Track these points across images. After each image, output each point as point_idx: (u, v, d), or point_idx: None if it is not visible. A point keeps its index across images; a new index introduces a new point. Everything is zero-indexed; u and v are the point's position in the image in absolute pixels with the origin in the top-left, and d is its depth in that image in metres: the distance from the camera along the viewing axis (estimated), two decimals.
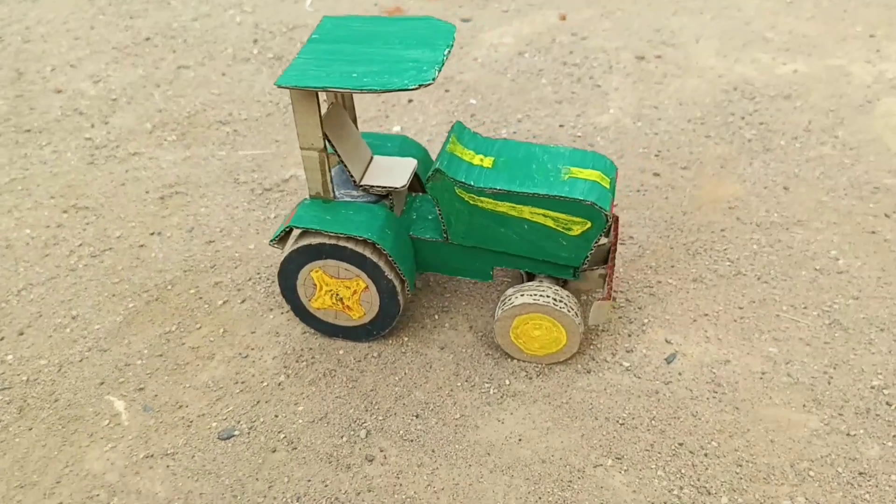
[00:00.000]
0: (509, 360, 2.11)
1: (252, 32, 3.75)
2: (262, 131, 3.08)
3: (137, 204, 2.72)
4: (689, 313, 2.23)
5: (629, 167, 2.79)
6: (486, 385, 2.05)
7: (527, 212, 1.93)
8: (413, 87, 1.72)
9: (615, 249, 2.12)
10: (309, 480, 1.85)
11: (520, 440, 1.91)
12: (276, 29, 3.79)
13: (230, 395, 2.06)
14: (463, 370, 2.09)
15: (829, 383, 2.01)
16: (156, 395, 2.07)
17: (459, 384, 2.06)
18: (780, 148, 2.85)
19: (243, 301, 2.33)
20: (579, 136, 2.96)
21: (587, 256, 1.99)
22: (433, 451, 1.90)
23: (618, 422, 1.94)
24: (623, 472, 1.83)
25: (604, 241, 2.10)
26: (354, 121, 2.16)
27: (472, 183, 1.92)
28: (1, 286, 2.41)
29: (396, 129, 3.06)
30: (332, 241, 1.97)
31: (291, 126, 3.10)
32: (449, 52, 1.87)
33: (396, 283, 2.02)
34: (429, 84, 1.74)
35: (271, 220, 2.62)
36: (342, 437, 1.94)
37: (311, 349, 2.17)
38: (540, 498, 1.78)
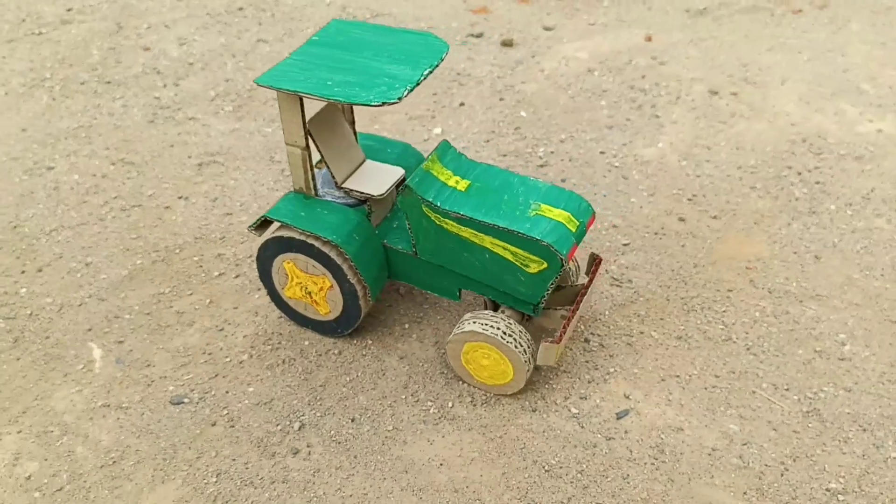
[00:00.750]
0: (461, 382, 2.11)
1: (336, 15, 3.86)
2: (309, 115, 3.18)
3: (177, 167, 2.89)
4: (659, 371, 2.14)
5: (656, 207, 2.69)
6: (429, 403, 2.06)
7: (488, 241, 1.92)
8: (376, 104, 1.75)
9: (585, 293, 2.07)
10: (234, 459, 1.94)
11: (441, 465, 1.92)
12: (359, 14, 3.87)
13: (195, 363, 2.18)
14: (412, 384, 2.11)
15: (782, 475, 1.89)
16: (130, 351, 2.22)
17: (404, 397, 2.08)
18: (828, 213, 2.65)
19: (237, 276, 2.45)
20: (616, 167, 2.87)
21: (544, 296, 1.95)
22: (355, 457, 1.94)
23: (544, 468, 1.91)
24: None
25: (579, 282, 2.05)
26: (352, 123, 2.20)
27: (439, 204, 1.92)
28: (38, 224, 2.65)
29: (437, 130, 3.07)
30: (302, 238, 2.03)
31: None
32: (430, 72, 1.87)
33: (358, 287, 2.06)
34: (393, 103, 1.75)
35: None
36: (277, 426, 2.01)
37: (280, 335, 2.26)
38: None
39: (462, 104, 3.24)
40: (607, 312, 2.31)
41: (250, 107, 3.22)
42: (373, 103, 1.74)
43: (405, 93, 1.78)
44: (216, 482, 1.89)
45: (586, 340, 2.22)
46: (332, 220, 2.03)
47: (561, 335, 1.97)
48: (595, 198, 2.72)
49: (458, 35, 3.71)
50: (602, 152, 2.95)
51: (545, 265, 1.88)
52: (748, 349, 2.19)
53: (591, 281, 2.10)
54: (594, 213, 1.99)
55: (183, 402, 2.08)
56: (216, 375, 2.15)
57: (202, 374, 2.15)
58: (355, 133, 2.20)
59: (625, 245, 2.54)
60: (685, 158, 2.91)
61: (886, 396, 2.06)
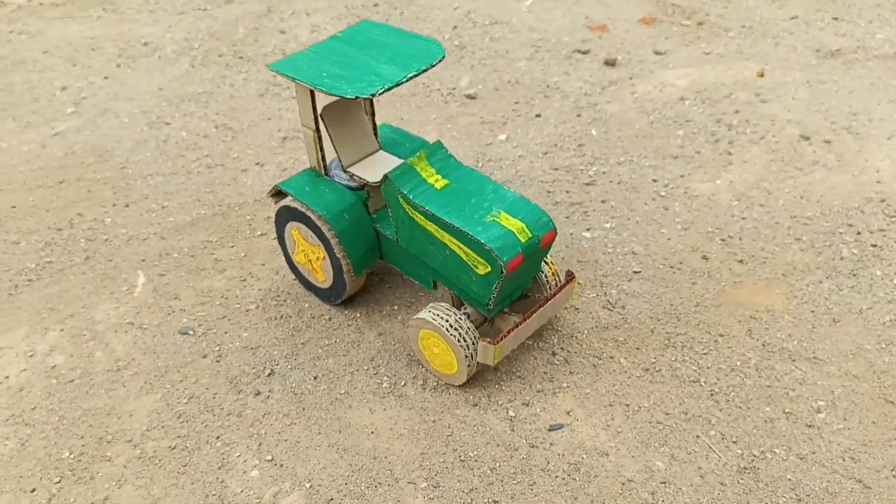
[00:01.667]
0: (420, 366, 2.26)
1: (458, 18, 4.08)
2: (399, 107, 3.43)
3: (265, 137, 3.27)
4: (611, 396, 2.16)
5: (683, 242, 2.65)
6: (385, 378, 2.24)
7: (447, 239, 2.05)
8: (350, 97, 1.95)
9: (544, 304, 2.13)
10: (207, 388, 2.24)
11: (371, 433, 2.09)
12: (479, 20, 4.07)
13: (211, 304, 2.52)
14: (378, 358, 2.30)
15: None
16: (167, 283, 2.60)
17: (366, 368, 2.27)
18: (870, 278, 2.47)
19: (274, 238, 2.75)
20: (661, 196, 2.85)
21: (490, 297, 2.05)
22: (304, 409, 2.17)
23: (460, 457, 2.02)
24: (428, 499, 1.93)
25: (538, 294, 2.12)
26: (372, 115, 2.40)
27: (412, 197, 2.09)
28: (140, 168, 3.13)
29: (503, 137, 3.20)
30: (302, 210, 2.28)
31: (421, 107, 3.40)
32: (415, 75, 2.03)
33: (343, 262, 2.28)
34: (365, 98, 1.94)
35: None
36: (253, 369, 2.29)
37: (288, 294, 2.53)
38: (345, 485, 1.97)
39: (538, 115, 3.33)
40: (586, 332, 2.35)
41: None
42: (348, 96, 1.95)
43: (380, 90, 1.96)
44: (185, 403, 2.19)
45: (553, 353, 2.29)
46: (330, 198, 2.26)
47: (502, 338, 2.06)
48: (626, 223, 2.73)
49: (564, 49, 3.79)
50: (654, 180, 2.93)
51: (489, 269, 1.99)
52: (711, 395, 2.15)
53: (554, 294, 2.16)
54: (553, 229, 2.05)
55: (188, 334, 2.41)
56: (223, 317, 2.46)
57: (213, 314, 2.47)
58: (374, 125, 2.41)
59: (635, 273, 2.54)
60: (739, 199, 2.82)
61: (841, 473, 1.94)
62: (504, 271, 1.95)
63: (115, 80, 3.70)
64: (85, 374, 2.30)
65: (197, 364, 2.31)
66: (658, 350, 2.28)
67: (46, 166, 3.16)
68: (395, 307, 2.46)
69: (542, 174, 2.98)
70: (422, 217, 2.08)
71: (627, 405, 2.13)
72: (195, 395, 2.22)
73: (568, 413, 2.12)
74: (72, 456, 2.07)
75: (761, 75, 3.56)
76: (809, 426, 2.06)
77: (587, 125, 3.26)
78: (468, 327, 2.09)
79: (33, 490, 1.99)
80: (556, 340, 2.32)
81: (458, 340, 2.07)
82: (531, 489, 1.94)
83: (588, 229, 2.72)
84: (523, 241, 1.99)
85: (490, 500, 1.92)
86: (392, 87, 1.99)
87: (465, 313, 2.18)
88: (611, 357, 2.27)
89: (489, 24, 4.04)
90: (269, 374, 2.26)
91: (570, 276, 2.21)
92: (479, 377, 2.22)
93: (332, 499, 1.94)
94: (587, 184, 2.93)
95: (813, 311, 2.38)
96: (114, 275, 2.64)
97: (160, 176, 3.08)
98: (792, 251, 2.59)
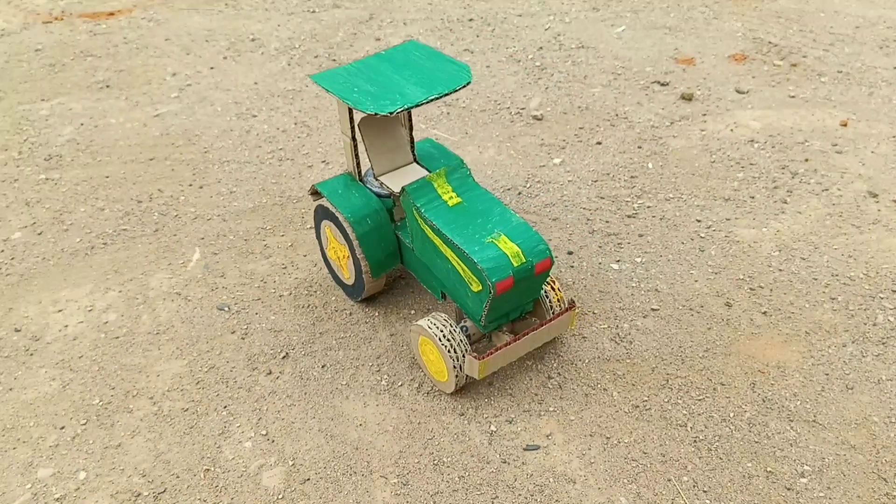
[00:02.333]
0: (421, 370, 2.38)
1: (546, 39, 4.16)
2: (466, 120, 3.56)
3: (336, 137, 3.48)
4: (594, 427, 2.20)
5: (710, 286, 2.63)
6: (386, 376, 2.38)
7: (449, 254, 2.16)
8: (370, 112, 2.09)
9: (538, 327, 2.20)
10: (227, 362, 2.45)
11: (360, 425, 2.24)
12: (567, 43, 4.13)
13: (251, 286, 2.74)
14: (384, 357, 2.44)
15: None
16: (217, 262, 2.85)
17: (371, 364, 2.42)
18: None
19: None
20: (700, 237, 2.83)
21: (482, 314, 2.14)
22: (305, 394, 2.34)
23: (434, 461, 2.13)
24: (395, 494, 2.06)
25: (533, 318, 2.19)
26: (410, 129, 2.54)
27: (423, 211, 2.21)
28: (220, 154, 3.41)
29: (557, 160, 3.27)
30: (332, 210, 2.45)
31: (487, 123, 3.51)
32: (437, 97, 2.15)
33: (362, 263, 2.43)
34: (381, 115, 2.08)
35: None
36: (271, 350, 2.49)
37: (320, 286, 2.72)
38: (323, 469, 2.12)
39: (599, 143, 3.37)
40: (587, 361, 2.39)
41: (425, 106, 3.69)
42: (368, 111, 2.10)
43: (398, 109, 2.10)
44: (206, 372, 2.42)
45: (549, 377, 2.35)
46: (357, 202, 2.42)
47: (488, 354, 2.15)
48: (658, 260, 2.74)
49: (643, 79, 3.79)
50: (698, 220, 2.91)
51: (481, 287, 2.08)
52: (695, 441, 2.15)
53: (549, 320, 2.23)
54: (549, 258, 2.12)
55: (224, 310, 2.64)
56: (258, 299, 2.68)
57: (249, 295, 2.70)
58: (412, 138, 2.55)
59: (652, 310, 2.55)
60: (781, 249, 2.76)
61: None
62: (492, 292, 2.04)
63: (219, 71, 4.04)
64: (129, 333, 2.57)
65: (224, 338, 2.53)
66: (653, 389, 2.29)
67: (142, 143, 3.51)
68: (413, 311, 2.59)
69: (586, 201, 3.03)
70: (430, 230, 2.20)
71: (608, 438, 2.17)
72: (216, 366, 2.44)
73: (547, 436, 2.18)
74: (100, 403, 2.33)
75: (844, 125, 3.43)
76: (788, 489, 2.02)
77: (645, 157, 3.26)
78: (461, 340, 2.20)
79: (62, 427, 2.26)
80: (555, 365, 2.38)
81: (449, 351, 2.17)
82: (492, 502, 2.02)
83: (618, 261, 2.75)
84: (516, 265, 2.07)
85: None
86: (411, 108, 2.12)
87: (462, 326, 2.28)
88: (604, 389, 2.30)
89: (575, 47, 4.09)
90: (283, 357, 2.46)
91: (571, 305, 2.27)
92: (471, 388, 2.31)
93: (308, 479, 2.10)
94: (629, 216, 2.95)
95: (827, 374, 2.31)
96: (174, 248, 2.92)
97: (236, 163, 3.35)
98: (822, 310, 2.52)
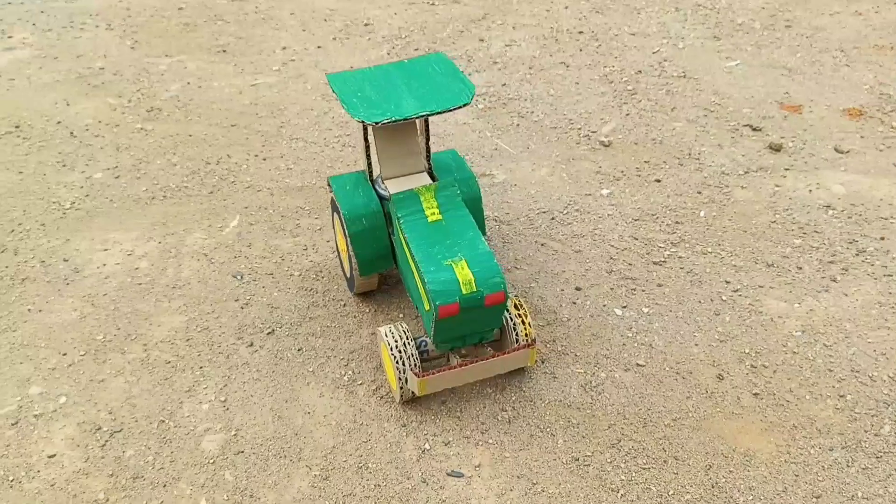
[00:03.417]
0: (385, 375, 2.44)
1: (649, 64, 3.99)
2: (531, 135, 3.52)
3: None
4: (524, 469, 2.15)
5: (710, 355, 2.47)
6: (350, 372, 2.45)
7: (413, 267, 2.19)
8: (356, 119, 2.15)
9: (486, 359, 2.19)
10: (219, 326, 2.63)
11: (307, 413, 2.33)
12: (670, 70, 3.94)
13: (269, 260, 2.90)
14: (356, 355, 2.51)
15: None
16: (250, 232, 3.04)
17: (341, 358, 2.50)
18: None
19: None
20: (721, 300, 2.65)
21: (431, 332, 2.15)
22: (273, 371, 2.47)
23: (359, 464, 2.18)
24: (312, 486, 2.13)
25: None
26: (427, 139, 2.56)
27: (401, 222, 2.25)
28: (293, 131, 3.60)
29: (605, 192, 3.16)
30: (337, 205, 2.55)
31: (551, 141, 3.46)
32: (428, 114, 2.18)
33: (355, 260, 2.51)
34: (368, 124, 2.14)
35: None
36: (261, 324, 2.63)
37: (329, 272, 2.83)
38: (259, 445, 2.24)
39: (658, 180, 3.22)
40: (546, 402, 2.34)
41: (496, 110, 3.69)
42: (354, 117, 2.16)
43: (384, 121, 2.14)
44: (198, 332, 2.61)
45: (502, 409, 2.32)
46: (357, 201, 2.49)
47: (429, 373, 2.16)
48: (666, 315, 2.60)
49: (736, 120, 3.56)
50: (727, 282, 2.73)
51: (429, 307, 2.10)
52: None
53: (505, 352, 2.20)
54: (502, 291, 2.09)
55: (236, 278, 2.82)
56: (270, 274, 2.84)
57: (264, 269, 2.86)
58: (428, 148, 2.57)
59: (638, 365, 2.44)
60: (805, 331, 2.54)
61: None
62: (435, 314, 2.05)
63: (324, 51, 4.24)
64: (151, 282, 2.81)
65: (227, 304, 2.71)
66: (601, 446, 2.21)
67: (231, 109, 3.78)
68: (401, 315, 2.64)
69: (616, 239, 2.92)
70: (404, 242, 2.24)
71: (534, 484, 2.12)
72: (209, 328, 2.62)
73: (476, 467, 2.17)
74: (102, 340, 2.59)
75: None
76: None
77: (700, 204, 3.08)
78: (412, 354, 2.22)
79: (64, 354, 2.54)
80: (513, 398, 2.35)
81: (396, 361, 2.21)
82: None
83: (624, 307, 2.64)
84: (465, 292, 2.06)
85: None
86: (398, 121, 2.16)
87: (422, 341, 2.30)
88: (552, 434, 2.25)
89: (676, 76, 3.90)
90: (268, 333, 2.59)
91: (530, 343, 2.23)
92: (422, 403, 2.34)
93: (242, 451, 2.23)
94: (655, 262, 2.82)
95: (796, 476, 2.12)
96: (219, 212, 3.14)
97: (303, 142, 3.53)
98: (823, 406, 2.30)
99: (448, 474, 2.15)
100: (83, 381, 2.44)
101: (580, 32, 4.32)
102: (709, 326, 2.56)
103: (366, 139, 2.49)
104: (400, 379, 2.22)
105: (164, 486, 2.14)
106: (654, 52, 4.10)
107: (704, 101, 3.71)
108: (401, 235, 2.27)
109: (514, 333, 2.29)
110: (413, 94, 2.27)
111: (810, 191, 3.14)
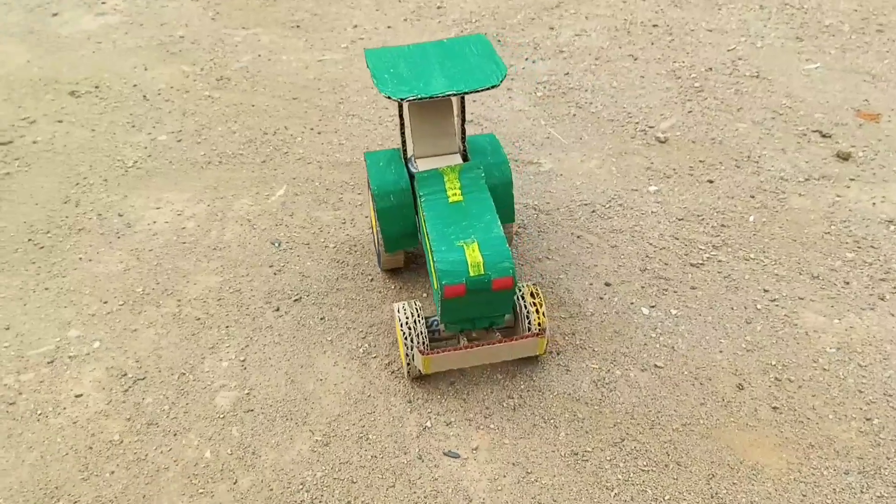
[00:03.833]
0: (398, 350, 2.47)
1: (723, 62, 3.85)
2: (588, 125, 3.46)
3: None
4: (521, 457, 2.13)
5: (734, 363, 2.38)
6: (366, 345, 2.49)
7: (428, 246, 2.20)
8: (384, 94, 2.17)
9: (495, 342, 2.18)
10: (251, 290, 2.71)
11: (319, 380, 2.38)
12: (743, 69, 3.79)
13: (308, 231, 2.97)
14: (376, 328, 2.54)
15: None
16: (294, 202, 3.11)
17: (361, 330, 2.54)
18: None
19: None
20: (756, 309, 2.55)
21: (439, 312, 2.16)
22: (294, 337, 2.53)
23: (360, 434, 2.21)
24: (312, 450, 2.19)
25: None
26: (463, 121, 2.55)
27: (422, 200, 2.27)
28: (348, 108, 3.66)
29: (653, 188, 3.08)
30: (369, 180, 2.58)
31: (605, 133, 3.39)
32: (455, 94, 2.17)
33: (381, 236, 2.54)
34: (393, 99, 2.16)
35: None
36: (291, 290, 2.70)
37: (362, 247, 2.87)
38: (269, 406, 2.31)
39: (710, 181, 3.12)
40: (555, 394, 2.31)
41: (554, 99, 3.64)
42: (381, 92, 2.18)
43: (409, 97, 2.16)
44: (230, 293, 2.70)
45: (510, 396, 2.31)
46: (387, 178, 2.52)
47: (435, 351, 2.17)
48: (695, 319, 2.52)
49: (805, 125, 3.40)
50: (765, 290, 2.62)
51: (437, 286, 2.10)
52: None
53: (512, 339, 2.19)
54: (511, 276, 2.07)
55: (274, 245, 2.91)
56: (307, 244, 2.91)
57: (301, 239, 2.93)
58: (464, 130, 2.56)
59: (656, 367, 2.38)
60: (840, 348, 2.41)
61: None
62: (441, 294, 2.06)
63: (394, 31, 4.28)
64: (194, 242, 2.93)
65: (261, 270, 2.80)
66: (602, 443, 2.17)
67: (295, 83, 3.87)
68: (425, 294, 2.66)
69: (657, 238, 2.84)
70: (423, 220, 2.25)
71: (528, 473, 2.11)
72: (240, 290, 2.71)
73: (473, 449, 2.17)
74: (141, 292, 2.72)
75: None
76: None
77: (751, 209, 2.96)
78: (421, 331, 2.24)
79: (105, 302, 2.68)
80: (522, 386, 2.34)
81: (405, 338, 2.23)
82: (385, 490, 2.08)
83: (652, 307, 2.58)
84: (472, 274, 2.06)
85: (348, 479, 2.11)
86: (423, 98, 2.17)
87: (434, 320, 2.31)
88: (555, 426, 2.23)
89: (749, 76, 3.75)
90: (295, 300, 2.66)
91: (540, 332, 2.20)
92: (431, 381, 2.35)
93: (252, 410, 2.30)
94: (693, 265, 2.73)
95: (804, 496, 2.03)
96: (268, 181, 3.24)
97: (358, 119, 3.58)
98: (846, 427, 2.18)
99: (444, 454, 2.16)
100: (118, 329, 2.57)
101: (654, 25, 4.20)
102: (737, 334, 2.47)
103: (401, 117, 2.51)
104: (408, 355, 2.24)
105: (175, 434, 2.24)
106: (729, 50, 3.95)
107: (774, 104, 3.55)
108: (421, 213, 2.28)
109: (526, 321, 2.27)
110: (444, 74, 2.27)
111: (874, 204, 2.97)
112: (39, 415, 2.31)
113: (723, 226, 2.89)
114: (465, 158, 2.56)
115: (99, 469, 2.16)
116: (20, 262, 2.86)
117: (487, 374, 2.38)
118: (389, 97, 2.18)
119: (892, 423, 2.18)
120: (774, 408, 2.24)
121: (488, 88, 2.21)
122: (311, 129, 3.54)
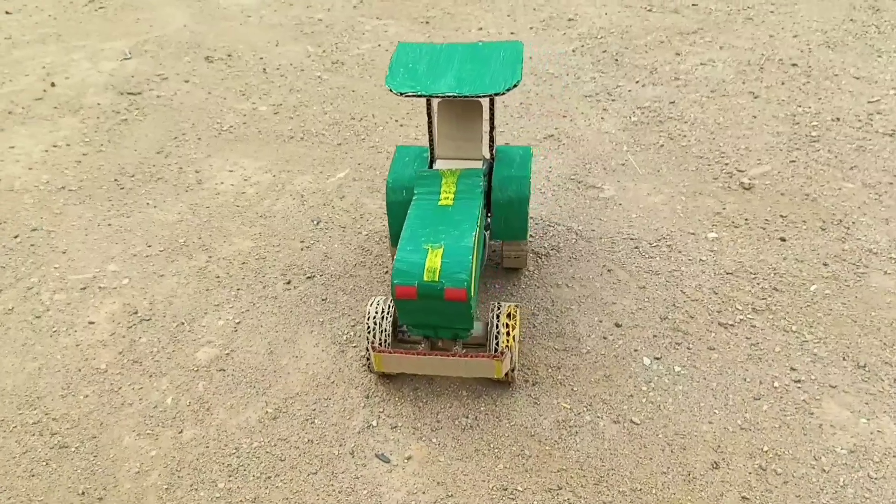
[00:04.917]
0: None
1: (844, 109, 3.43)
2: (673, 159, 3.22)
3: (503, 109, 3.47)
4: (446, 478, 2.05)
5: (721, 440, 2.12)
6: (349, 335, 2.49)
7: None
8: (387, 86, 2.17)
9: (451, 356, 2.11)
10: (275, 261, 2.82)
11: (296, 357, 2.43)
12: (850, 118, 3.35)
13: (349, 216, 3.02)
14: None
15: None
16: (349, 187, 3.18)
17: (353, 317, 2.55)
18: None
19: None
20: (773, 388, 2.25)
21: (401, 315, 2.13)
22: (291, 312, 2.59)
23: (309, 415, 2.23)
24: (259, 421, 2.24)
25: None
26: (492, 126, 2.48)
27: (415, 199, 2.24)
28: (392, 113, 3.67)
29: (712, 235, 2.81)
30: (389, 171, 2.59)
31: (682, 171, 3.14)
32: (456, 97, 2.12)
33: (389, 229, 2.54)
34: (394, 93, 2.14)
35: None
36: (307, 269, 2.77)
37: (384, 238, 2.88)
38: (248, 371, 2.39)
39: (783, 240, 2.79)
40: (512, 424, 2.19)
41: (648, 126, 3.43)
42: (387, 84, 2.18)
43: (408, 93, 2.14)
44: (255, 259, 2.82)
45: (465, 415, 2.22)
46: (404, 173, 2.50)
47: (385, 350, 2.14)
48: (697, 380, 2.28)
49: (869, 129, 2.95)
50: (793, 369, 2.31)
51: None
52: None
53: (468, 356, 2.10)
54: (464, 289, 1.98)
55: (315, 223, 2.99)
56: (344, 227, 2.96)
57: (340, 222, 2.99)
58: (493, 137, 2.49)
59: (631, 422, 2.19)
60: (855, 451, 2.07)
61: None
62: (392, 293, 2.02)
63: (515, 38, 4.23)
64: (247, 207, 3.09)
65: (292, 244, 2.90)
66: (537, 486, 2.03)
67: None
68: None
69: (692, 289, 2.60)
70: (406, 217, 2.23)
71: (449, 496, 2.02)
72: (265, 258, 2.83)
73: (406, 458, 2.12)
74: (182, 243, 2.91)
75: None
76: None
77: (818, 277, 2.62)
78: (384, 328, 2.21)
79: (149, 245, 2.90)
80: (481, 409, 2.24)
81: (368, 332, 2.22)
82: (305, 475, 2.08)
83: (657, 359, 2.37)
84: (425, 279, 2.00)
85: (277, 456, 2.13)
86: (424, 96, 2.14)
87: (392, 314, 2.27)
88: (497, 456, 2.11)
89: (882, 133, 3.31)
90: (308, 277, 2.73)
91: (497, 355, 2.10)
92: (396, 381, 2.32)
93: (223, 370, 2.40)
94: (720, 324, 2.47)
95: None
96: (336, 162, 3.34)
97: (394, 123, 3.58)
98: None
99: (376, 455, 2.12)
100: (148, 272, 2.78)
101: (793, 65, 3.81)
102: (737, 409, 2.20)
103: (429, 115, 2.49)
104: (367, 349, 2.23)
105: (151, 376, 2.39)
106: (869, 102, 3.50)
107: None
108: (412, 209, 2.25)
109: (494, 341, 2.17)
110: (456, 75, 2.22)
111: None
112: (54, 332, 2.55)
113: (775, 289, 2.58)
114: (490, 167, 2.49)
115: (78, 391, 2.35)
116: (100, 198, 3.16)
117: (454, 389, 2.30)
118: (391, 90, 2.17)
119: None
120: (744, 498, 1.98)
121: (490, 95, 2.14)
122: (396, 120, 3.60)
